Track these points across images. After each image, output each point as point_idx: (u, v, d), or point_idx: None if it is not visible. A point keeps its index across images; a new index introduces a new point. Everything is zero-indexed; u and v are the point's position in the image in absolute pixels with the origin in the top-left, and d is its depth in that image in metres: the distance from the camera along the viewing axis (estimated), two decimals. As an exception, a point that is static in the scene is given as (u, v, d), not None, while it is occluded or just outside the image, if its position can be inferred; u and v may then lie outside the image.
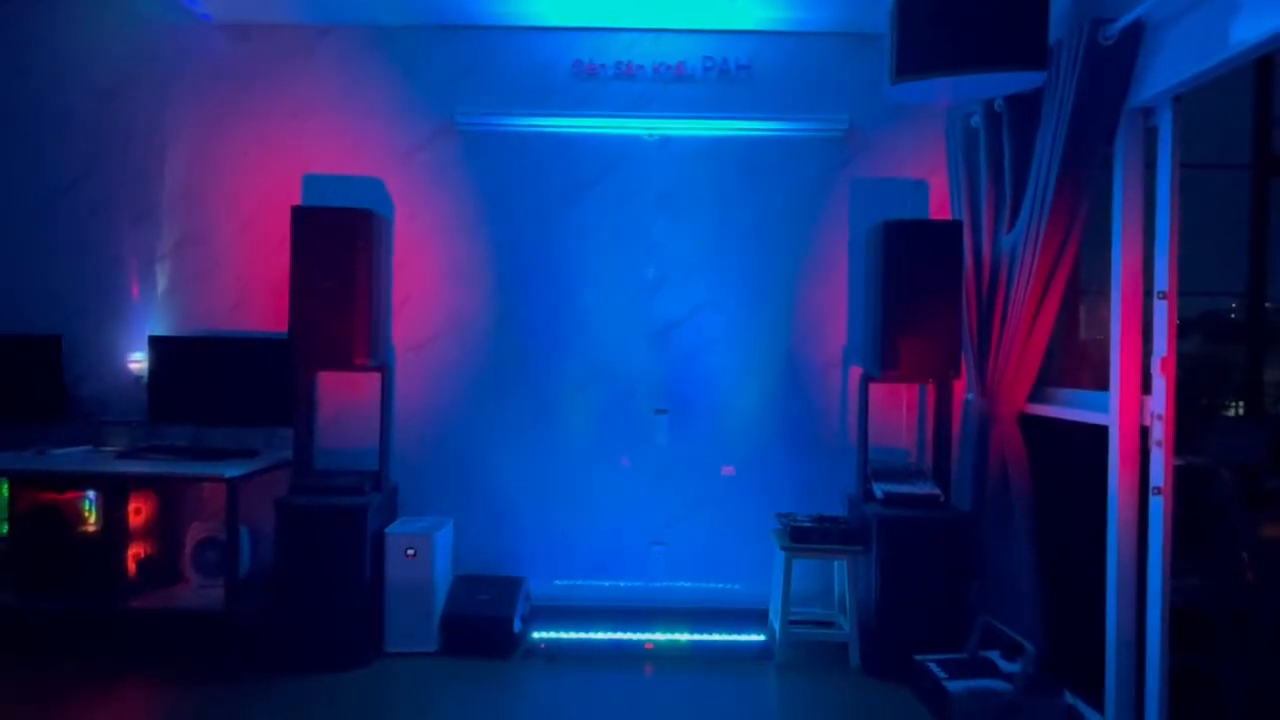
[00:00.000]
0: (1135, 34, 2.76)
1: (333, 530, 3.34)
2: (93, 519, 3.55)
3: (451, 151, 3.93)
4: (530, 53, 3.94)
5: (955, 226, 3.46)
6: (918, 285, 3.38)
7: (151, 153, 3.95)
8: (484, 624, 3.52)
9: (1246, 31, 2.30)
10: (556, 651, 3.53)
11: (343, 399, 3.89)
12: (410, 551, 3.50)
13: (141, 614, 3.51)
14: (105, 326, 3.92)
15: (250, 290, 3.91)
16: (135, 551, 3.67)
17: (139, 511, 3.68)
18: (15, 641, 3.56)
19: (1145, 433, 2.74)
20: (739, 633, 3.62)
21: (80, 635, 3.63)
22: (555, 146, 3.94)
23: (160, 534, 3.78)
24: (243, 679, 3.26)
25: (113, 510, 3.56)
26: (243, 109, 3.94)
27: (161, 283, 3.93)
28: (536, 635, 3.57)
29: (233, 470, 3.28)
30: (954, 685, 2.92)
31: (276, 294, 3.69)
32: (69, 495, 3.53)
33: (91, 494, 3.55)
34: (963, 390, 3.66)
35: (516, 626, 3.57)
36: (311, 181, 3.86)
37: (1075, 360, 3.38)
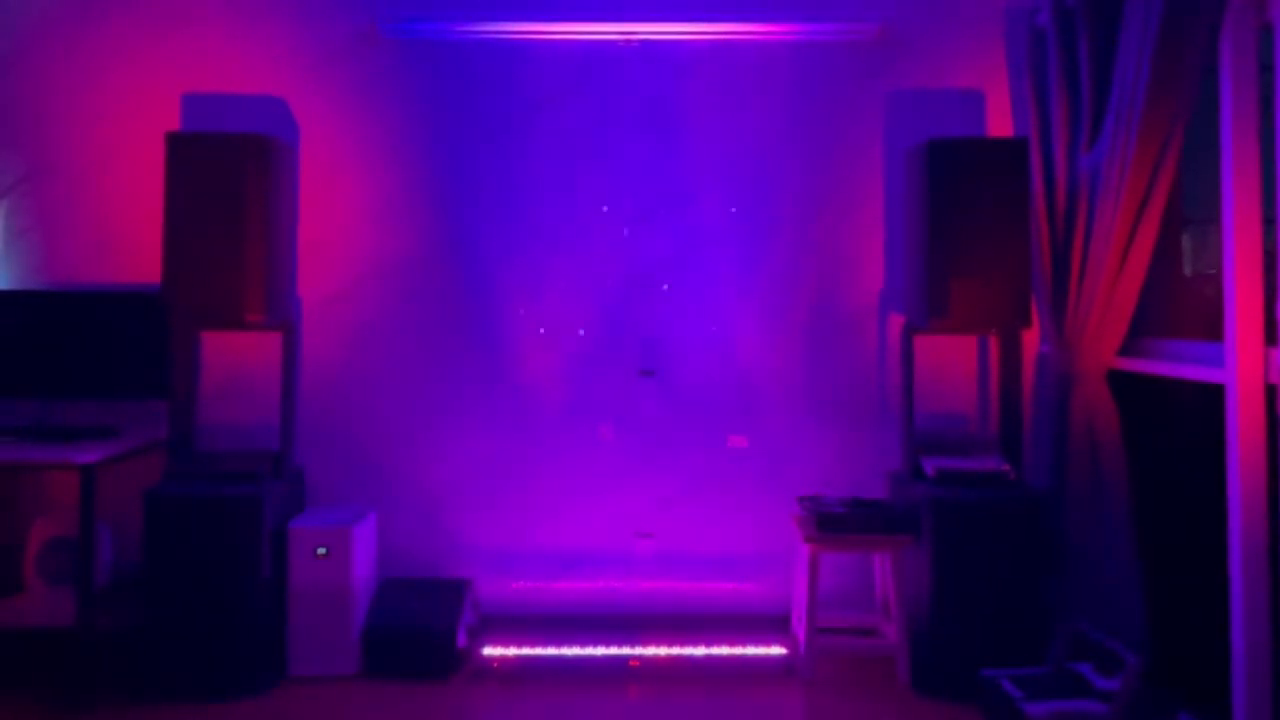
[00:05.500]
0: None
1: (219, 525, 3.05)
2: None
3: (373, 64, 3.57)
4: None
5: (1020, 144, 3.23)
6: (974, 215, 3.15)
7: (-9, 65, 3.59)
8: (417, 638, 3.21)
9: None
10: (514, 671, 3.22)
11: (233, 365, 3.56)
12: (321, 550, 3.19)
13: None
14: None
15: (115, 235, 3.57)
16: (-38, 555, 3.35)
17: (-31, 506, 3.37)
18: None
19: (1272, 391, 2.48)
20: (752, 644, 3.31)
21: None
22: (506, 57, 3.60)
23: (-4, 533, 3.42)
24: (100, 710, 2.95)
25: (-65, 506, 3.30)
26: (106, 12, 3.57)
27: (2, 226, 3.58)
28: (488, 651, 3.23)
29: (88, 454, 2.96)
30: (1034, 707, 2.59)
31: (148, 239, 3.38)
32: (-123, 488, 3.22)
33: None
34: (1035, 342, 3.43)
35: (460, 641, 3.23)
36: (193, 102, 3.52)
37: (1179, 304, 3.17)
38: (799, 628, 3.28)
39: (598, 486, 3.59)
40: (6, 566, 3.39)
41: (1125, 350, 3.05)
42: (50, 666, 3.17)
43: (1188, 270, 3.15)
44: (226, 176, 3.10)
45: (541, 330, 3.57)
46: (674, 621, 3.47)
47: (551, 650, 3.21)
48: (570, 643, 3.24)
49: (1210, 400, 2.63)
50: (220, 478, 3.13)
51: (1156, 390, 3.03)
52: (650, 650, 3.22)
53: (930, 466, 3.20)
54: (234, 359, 3.53)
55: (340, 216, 3.56)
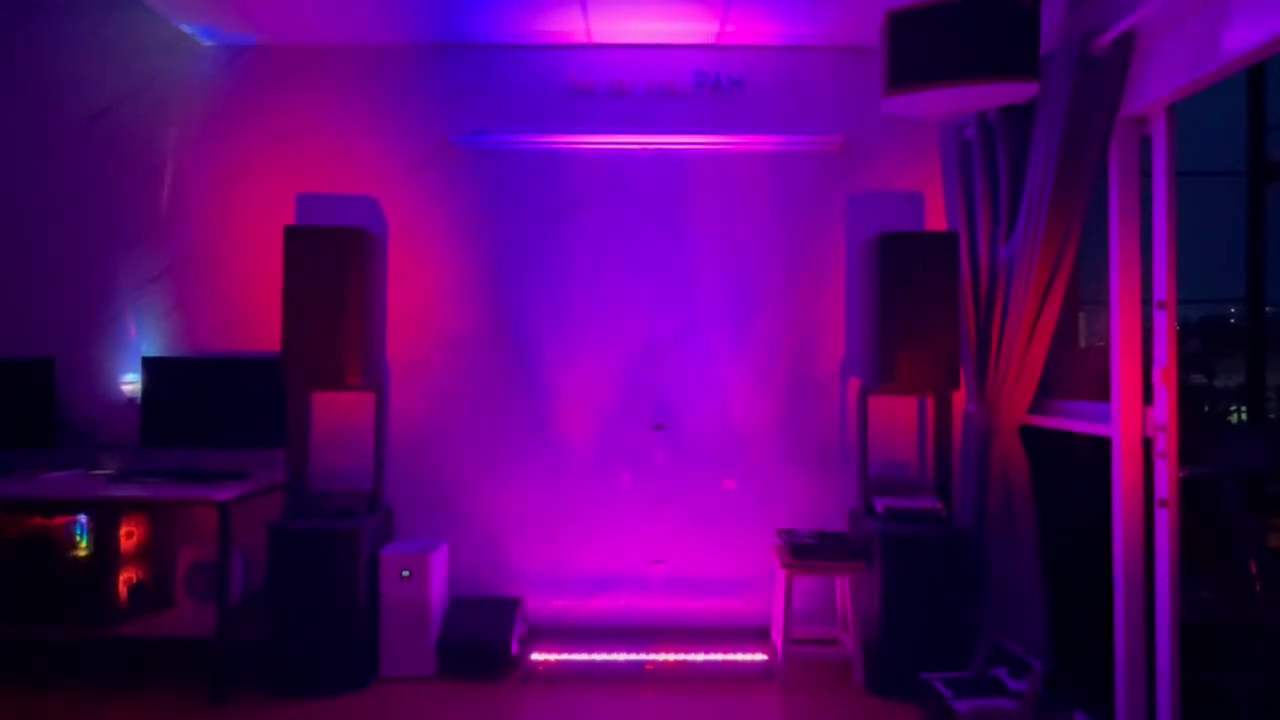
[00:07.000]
0: (1127, 44, 2.77)
1: (326, 553, 3.33)
2: (83, 544, 3.54)
3: (446, 169, 3.94)
4: (524, 71, 3.96)
5: (951, 238, 3.46)
6: (914, 296, 3.38)
7: (144, 173, 3.96)
8: (480, 646, 3.51)
9: (1238, 40, 2.30)
10: (555, 673, 3.51)
11: (337, 419, 3.86)
12: (405, 573, 3.47)
13: (132, 640, 3.48)
14: (98, 349, 3.92)
15: (244, 310, 3.91)
16: (126, 576, 3.64)
17: (130, 536, 3.66)
18: (3, 670, 3.54)
19: (1149, 444, 2.72)
20: (740, 652, 3.60)
21: (69, 662, 3.63)
22: (549, 164, 3.96)
23: (152, 558, 3.75)
24: (235, 705, 3.25)
25: (104, 535, 3.56)
26: (236, 129, 3.95)
27: (155, 304, 3.94)
28: (535, 657, 3.55)
29: (224, 493, 3.26)
30: (961, 705, 2.89)
31: (270, 314, 3.69)
32: (59, 520, 3.52)
33: (82, 519, 3.53)
34: (963, 402, 3.64)
35: (513, 648, 3.55)
36: (305, 201, 3.82)
37: (1076, 371, 3.37)
38: (777, 638, 3.57)
39: (620, 522, 3.90)
40: (160, 585, 3.71)
41: (1034, 409, 3.25)
42: (195, 669, 3.46)
43: (1083, 343, 3.39)
44: (332, 263, 3.37)
45: (576, 391, 3.87)
46: (679, 633, 3.77)
47: (585, 656, 3.52)
48: (599, 650, 3.54)
49: (1100, 450, 2.88)
50: (327, 513, 3.41)
51: (1059, 442, 3.23)
52: (661, 656, 3.53)
53: (880, 505, 3.46)
54: (337, 415, 3.80)
55: (420, 296, 3.89)
